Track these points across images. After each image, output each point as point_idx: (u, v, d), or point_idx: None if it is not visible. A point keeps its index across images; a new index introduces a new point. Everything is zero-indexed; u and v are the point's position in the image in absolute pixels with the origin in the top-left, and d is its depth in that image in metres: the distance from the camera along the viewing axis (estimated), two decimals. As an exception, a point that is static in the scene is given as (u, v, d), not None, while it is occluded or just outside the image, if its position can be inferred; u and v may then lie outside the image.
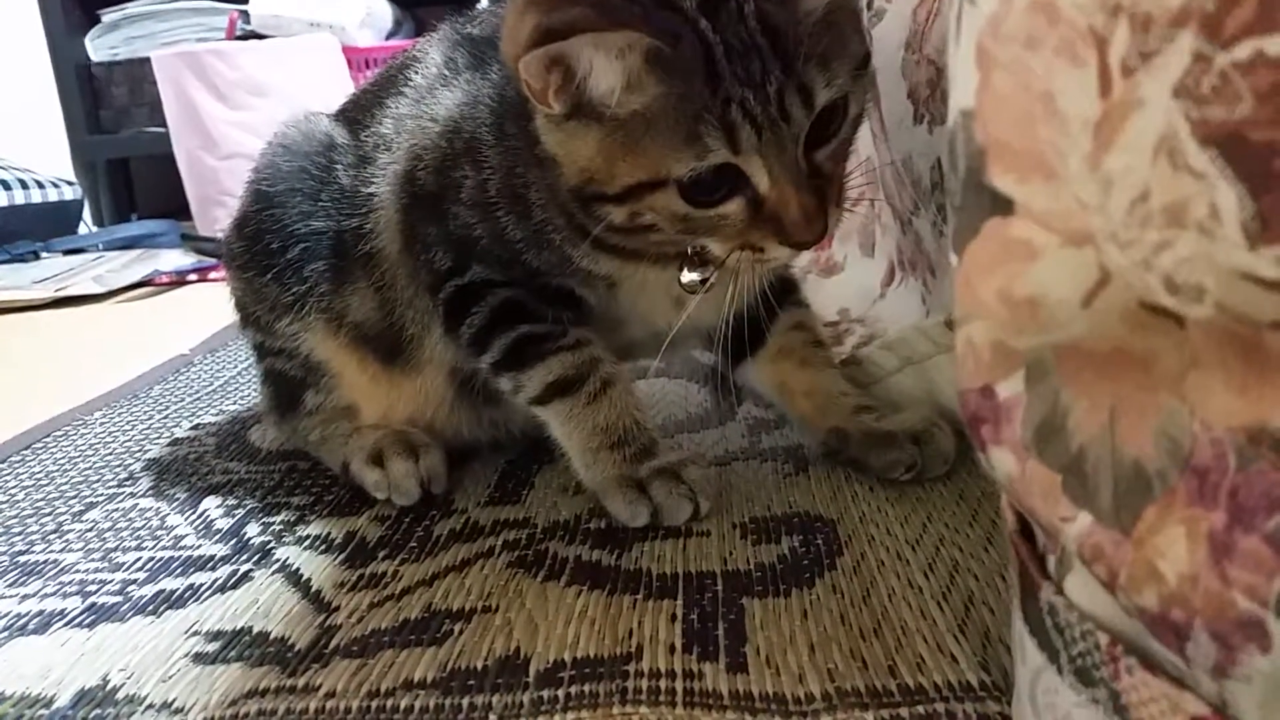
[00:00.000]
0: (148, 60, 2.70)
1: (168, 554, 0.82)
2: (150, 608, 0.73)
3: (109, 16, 3.02)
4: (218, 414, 1.20)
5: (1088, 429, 0.37)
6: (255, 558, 0.80)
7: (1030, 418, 0.39)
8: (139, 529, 0.88)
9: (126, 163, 3.21)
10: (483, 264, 0.83)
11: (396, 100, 0.89)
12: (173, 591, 0.76)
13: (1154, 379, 0.36)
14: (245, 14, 2.90)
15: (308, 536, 0.83)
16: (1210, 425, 0.35)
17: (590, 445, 0.81)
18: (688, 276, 0.77)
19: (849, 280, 1.20)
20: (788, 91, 0.66)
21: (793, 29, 0.66)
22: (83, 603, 0.75)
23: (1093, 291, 0.36)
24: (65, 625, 0.72)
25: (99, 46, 3.04)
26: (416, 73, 0.89)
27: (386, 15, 3.02)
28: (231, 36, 2.89)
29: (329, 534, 0.83)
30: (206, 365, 1.44)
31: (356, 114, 0.94)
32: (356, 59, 2.82)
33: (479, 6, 1.01)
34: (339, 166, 0.91)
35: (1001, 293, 0.38)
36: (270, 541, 0.83)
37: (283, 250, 0.90)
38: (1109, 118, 0.34)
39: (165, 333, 1.67)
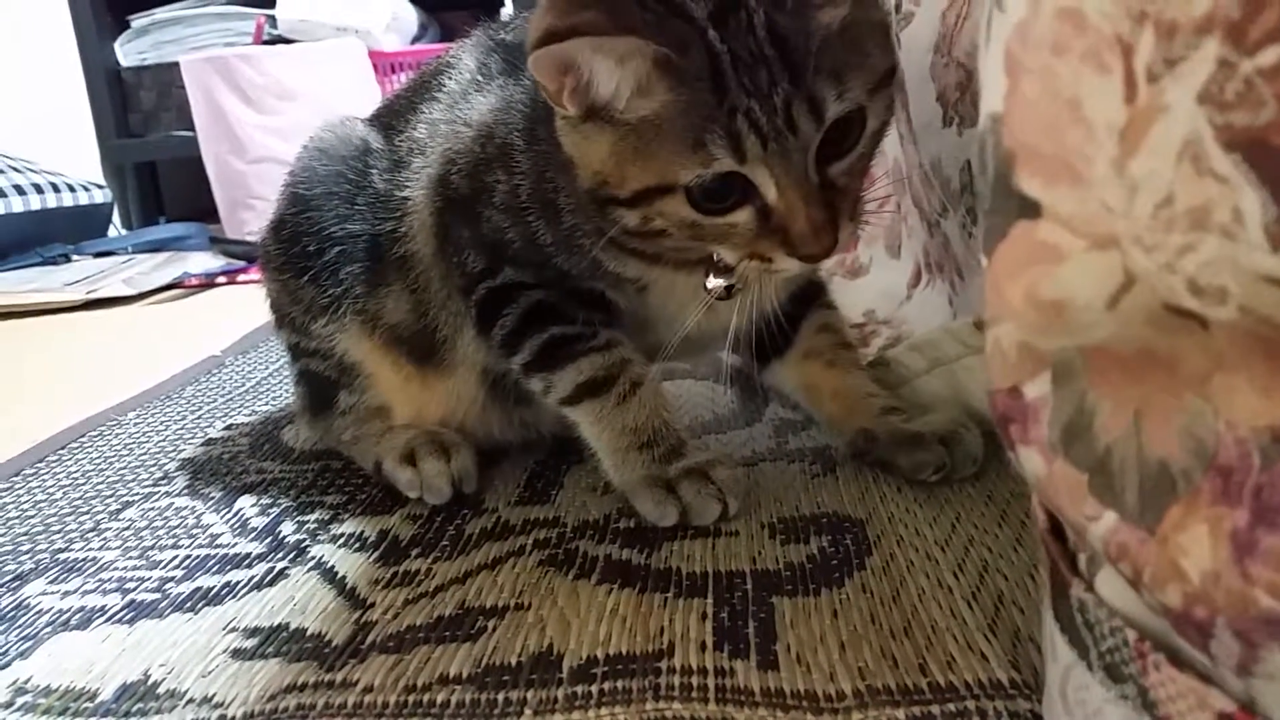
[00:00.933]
0: (176, 65, 2.74)
1: (204, 552, 0.84)
2: (188, 605, 0.75)
3: (138, 22, 3.06)
4: (250, 414, 1.22)
5: (1114, 429, 0.38)
6: (291, 556, 0.82)
7: (1057, 418, 0.39)
8: (175, 527, 0.90)
9: (154, 166, 3.25)
10: (515, 266, 0.84)
11: (430, 105, 0.90)
12: (210, 589, 0.77)
13: (1179, 380, 0.37)
14: (273, 19, 2.92)
15: (342, 535, 0.85)
16: (1235, 425, 0.35)
17: (619, 445, 0.82)
18: (713, 282, 0.78)
19: (874, 282, 1.20)
20: (795, 103, 0.66)
21: (803, 40, 0.66)
22: (122, 599, 0.77)
23: (1117, 294, 0.36)
24: (106, 621, 0.73)
25: (129, 52, 3.08)
26: (450, 78, 0.90)
27: (412, 19, 3.05)
28: (259, 41, 2.92)
29: (362, 532, 0.85)
30: (238, 366, 1.46)
31: (391, 119, 0.95)
32: (382, 63, 2.84)
33: (504, 12, 1.03)
34: (374, 171, 0.92)
35: (1028, 295, 0.39)
36: (305, 540, 0.85)
37: (319, 253, 0.91)
38: (1134, 123, 0.35)
39: (196, 334, 1.70)
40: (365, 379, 0.95)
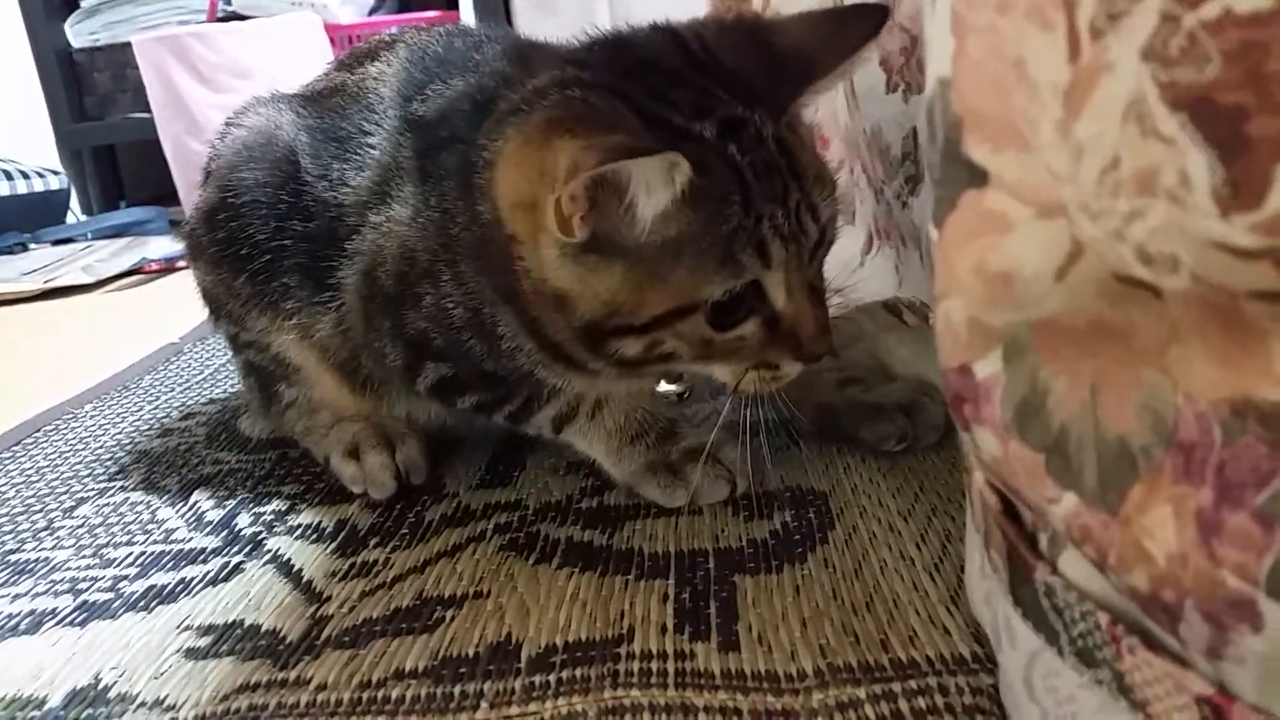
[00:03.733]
0: (130, 45, 2.67)
1: (159, 548, 0.82)
2: (141, 604, 0.73)
3: (87, 2, 2.98)
4: (208, 402, 1.20)
5: (1069, 407, 0.37)
6: (246, 549, 0.80)
7: (1009, 397, 0.38)
8: (130, 523, 0.87)
9: (113, 149, 3.18)
10: (439, 362, 0.81)
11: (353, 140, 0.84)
12: (164, 586, 0.75)
13: (1134, 353, 0.35)
14: (226, -5, 2.86)
15: (299, 526, 0.83)
16: (1194, 398, 0.34)
17: (612, 446, 0.81)
18: (665, 388, 0.76)
19: (832, 249, 1.18)
20: (803, 208, 0.65)
21: (799, 148, 0.66)
22: (74, 601, 0.75)
23: (1066, 264, 0.35)
24: (57, 624, 0.72)
25: (79, 33, 3.00)
26: (371, 113, 0.84)
27: (369, -9, 2.99)
28: (213, 18, 2.85)
29: (320, 522, 0.83)
30: (196, 353, 1.43)
31: (318, 120, 0.88)
32: (339, 37, 2.78)
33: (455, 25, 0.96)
34: (308, 198, 0.85)
35: (977, 267, 0.37)
36: (261, 532, 0.83)
37: (251, 256, 0.87)
38: (1079, 83, 0.34)
39: (155, 321, 1.66)
40: (303, 375, 0.92)
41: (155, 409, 1.19)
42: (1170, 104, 0.31)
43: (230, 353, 1.02)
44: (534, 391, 0.80)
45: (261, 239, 0.86)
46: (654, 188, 0.61)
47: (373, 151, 0.82)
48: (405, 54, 0.87)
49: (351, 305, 0.83)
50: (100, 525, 0.88)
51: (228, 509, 0.88)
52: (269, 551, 0.79)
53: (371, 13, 2.97)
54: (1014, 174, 0.36)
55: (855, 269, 1.04)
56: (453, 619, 0.66)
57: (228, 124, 0.95)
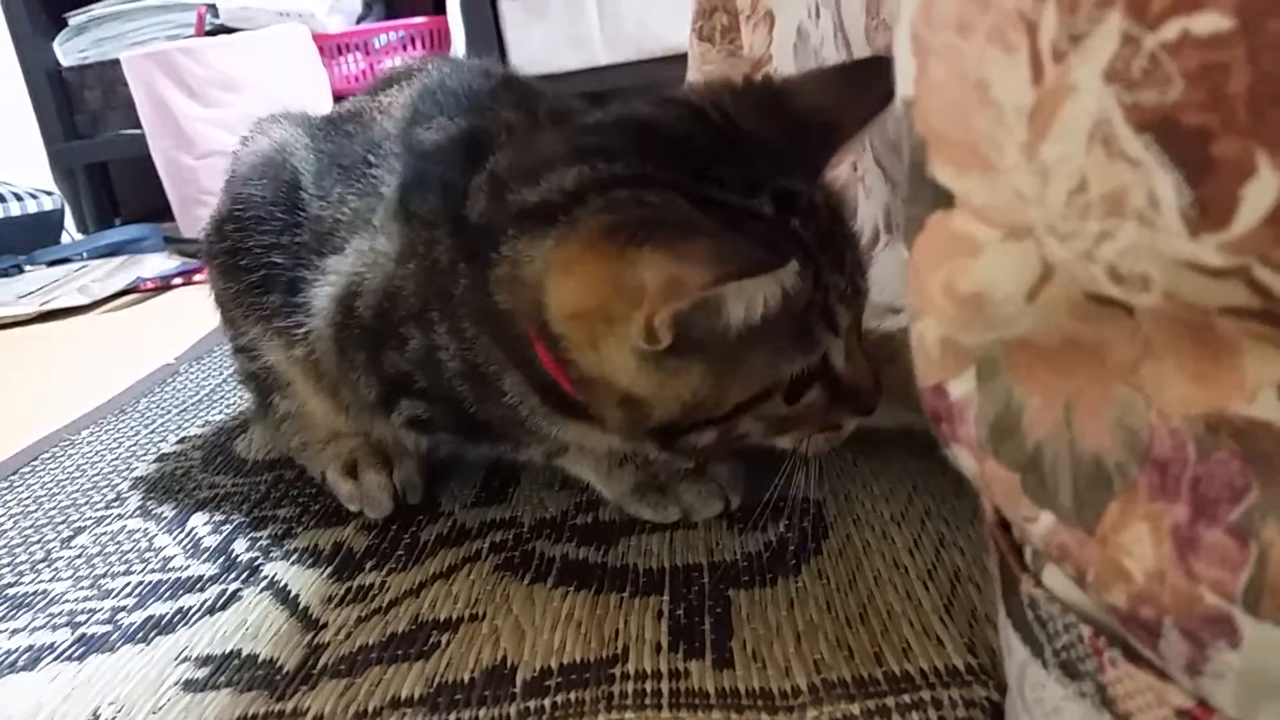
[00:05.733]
0: (119, 62, 2.67)
1: (156, 577, 0.82)
2: (140, 635, 0.73)
3: (75, 19, 2.98)
4: (203, 425, 1.20)
5: (1043, 426, 0.36)
6: (244, 575, 0.80)
7: (983, 417, 0.38)
8: (127, 552, 0.87)
9: (106, 167, 3.18)
10: (418, 400, 0.80)
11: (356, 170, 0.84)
12: (162, 616, 0.75)
13: (1107, 370, 0.35)
14: (213, 8, 2.85)
15: (295, 550, 0.83)
16: (1168, 415, 0.34)
17: (602, 470, 0.80)
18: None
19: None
20: (856, 269, 0.66)
21: (843, 210, 0.67)
22: (72, 634, 0.75)
23: (1037, 285, 0.34)
24: (55, 659, 0.72)
25: (68, 50, 3.00)
26: (376, 141, 0.84)
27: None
28: (201, 33, 2.85)
29: (316, 545, 0.83)
30: (192, 374, 1.43)
31: (327, 145, 0.89)
32: (328, 46, 2.78)
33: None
34: (301, 217, 0.85)
35: (947, 289, 0.37)
36: (258, 557, 0.83)
37: (250, 269, 0.87)
38: (1042, 105, 0.33)
39: (151, 341, 1.66)
40: (293, 390, 0.92)
41: (151, 433, 1.19)
42: (1136, 125, 0.31)
43: (233, 361, 1.03)
44: (523, 438, 0.79)
45: (259, 252, 0.87)
46: (759, 294, 0.59)
47: (373, 180, 0.81)
48: (420, 84, 0.87)
49: (320, 333, 0.82)
50: (98, 555, 0.88)
51: (224, 534, 0.88)
52: (266, 577, 0.79)
53: (360, 20, 2.97)
54: (980, 196, 0.36)
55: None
56: (448, 644, 0.65)
57: (253, 132, 0.95)
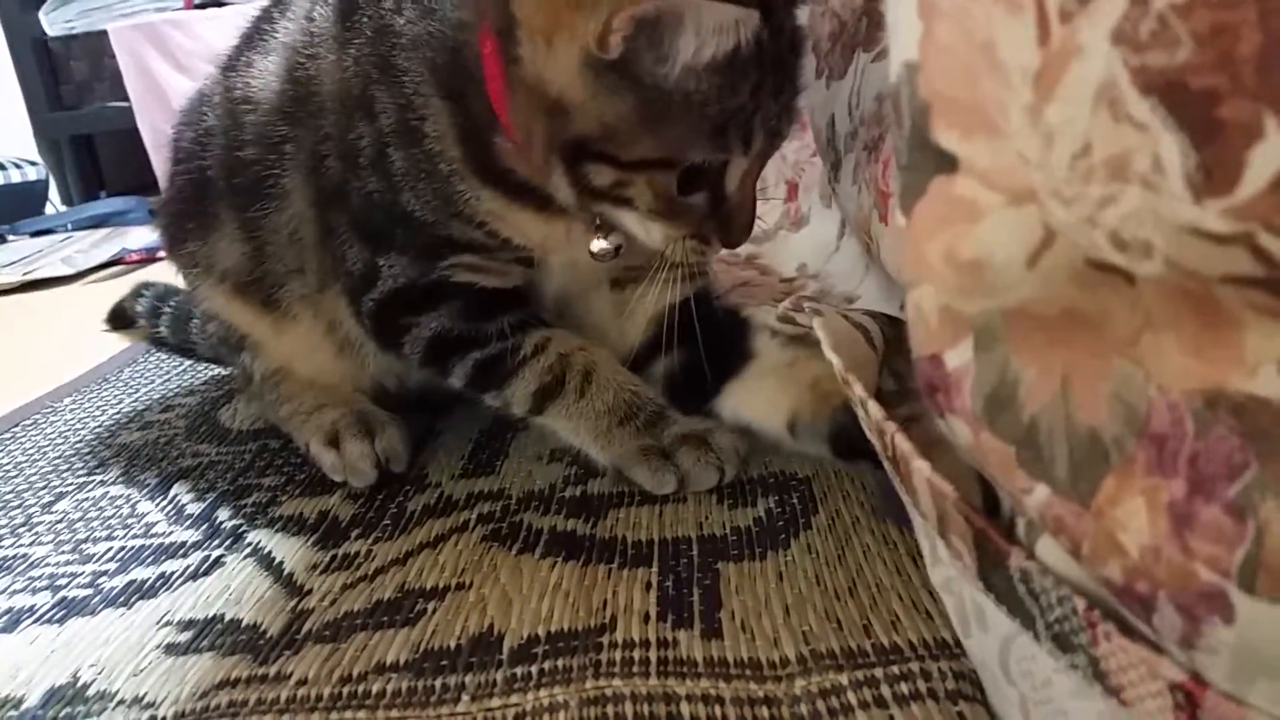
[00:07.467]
0: (106, 33, 2.65)
1: (139, 542, 0.81)
2: (121, 599, 0.73)
3: (61, -11, 2.95)
4: (188, 394, 1.19)
5: (1040, 398, 0.36)
6: (227, 542, 0.79)
7: (980, 388, 0.37)
8: (109, 518, 0.87)
9: (91, 139, 3.15)
10: (397, 255, 0.80)
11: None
12: (144, 581, 0.75)
13: (1106, 342, 0.35)
14: (202, -20, 2.83)
15: (280, 518, 0.82)
16: (1166, 389, 0.34)
17: (599, 429, 0.80)
18: (598, 245, 0.76)
19: (811, 234, 1.18)
20: (787, 109, 0.68)
21: (802, 49, 0.69)
22: (53, 598, 0.74)
23: (1038, 251, 0.34)
24: (35, 622, 0.71)
25: (54, 20, 2.97)
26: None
27: (345, -27, 2.95)
28: (190, 5, 2.82)
29: (301, 514, 0.83)
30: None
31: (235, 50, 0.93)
32: (318, 21, 2.76)
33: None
34: (205, 110, 0.91)
35: (947, 255, 0.37)
36: (242, 525, 0.82)
37: (188, 213, 0.93)
38: (1049, 67, 0.33)
39: (136, 313, 1.65)
40: (241, 335, 0.93)
41: (135, 401, 1.18)
42: (1142, 88, 0.30)
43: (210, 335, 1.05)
44: (510, 341, 0.81)
45: (192, 177, 0.91)
46: (713, 35, 0.62)
47: (279, 35, 0.85)
48: None
49: (303, 215, 0.85)
50: (80, 520, 0.87)
51: (208, 502, 0.87)
52: (250, 544, 0.79)
53: (350, -5, 2.94)
54: (984, 160, 0.35)
55: (831, 254, 1.04)
56: (434, 611, 0.65)
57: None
